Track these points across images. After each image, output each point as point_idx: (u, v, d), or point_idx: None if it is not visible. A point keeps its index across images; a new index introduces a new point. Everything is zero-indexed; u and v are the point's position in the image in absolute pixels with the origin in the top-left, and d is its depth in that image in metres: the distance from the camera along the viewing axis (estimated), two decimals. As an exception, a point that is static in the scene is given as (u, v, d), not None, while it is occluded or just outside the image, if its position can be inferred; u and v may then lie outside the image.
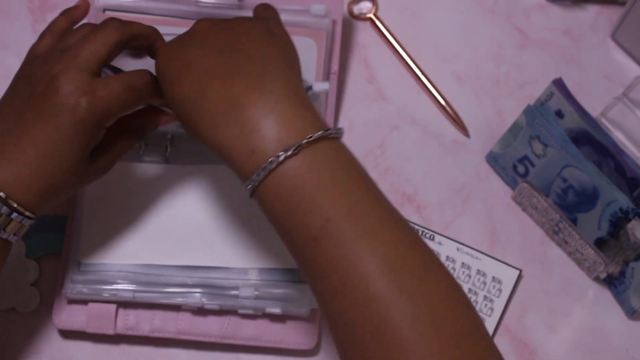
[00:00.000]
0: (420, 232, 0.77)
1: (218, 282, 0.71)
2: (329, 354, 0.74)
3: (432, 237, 0.77)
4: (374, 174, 0.80)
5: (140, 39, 0.65)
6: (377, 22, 0.84)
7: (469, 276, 0.76)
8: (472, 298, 0.76)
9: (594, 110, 0.77)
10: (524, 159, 0.77)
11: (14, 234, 0.62)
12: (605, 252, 0.74)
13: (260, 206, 0.57)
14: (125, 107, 0.63)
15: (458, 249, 0.77)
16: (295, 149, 0.55)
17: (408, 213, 0.79)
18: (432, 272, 0.55)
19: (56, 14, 0.83)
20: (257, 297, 0.71)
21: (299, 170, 0.55)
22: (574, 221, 0.75)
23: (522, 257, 0.78)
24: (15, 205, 0.60)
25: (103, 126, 0.63)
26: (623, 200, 0.70)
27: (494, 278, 0.76)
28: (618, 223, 0.72)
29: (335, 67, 0.79)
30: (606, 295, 0.77)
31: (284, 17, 0.74)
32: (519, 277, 0.77)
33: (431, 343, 0.52)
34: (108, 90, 0.61)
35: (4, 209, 0.60)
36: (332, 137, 0.56)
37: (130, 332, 0.72)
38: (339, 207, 0.55)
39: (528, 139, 0.75)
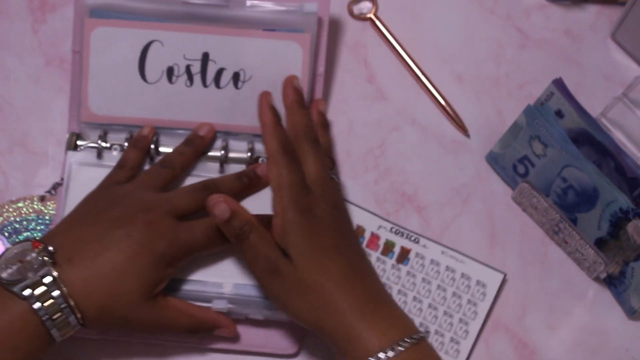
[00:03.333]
0: (404, 235, 0.77)
1: (192, 294, 0.71)
2: (309, 359, 0.74)
3: (416, 240, 0.77)
4: (373, 174, 0.81)
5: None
6: (377, 22, 0.84)
7: (453, 279, 0.76)
8: (456, 301, 0.76)
9: (594, 110, 0.77)
10: (524, 159, 0.77)
11: (62, 336, 0.65)
12: (605, 252, 0.74)
13: None
14: (200, 252, 0.70)
15: (443, 252, 0.77)
16: (405, 346, 0.64)
17: (408, 213, 0.79)
18: None
19: (56, 14, 0.84)
20: (230, 311, 0.71)
21: None
22: (574, 221, 0.75)
23: (522, 257, 0.78)
24: (74, 312, 0.64)
25: (175, 265, 0.69)
26: (623, 200, 0.70)
27: (478, 282, 0.76)
28: (618, 223, 0.72)
29: (321, 68, 0.78)
30: (606, 295, 0.77)
31: (271, 16, 0.75)
32: (504, 281, 0.76)
33: None
34: (189, 234, 0.69)
35: (66, 311, 0.64)
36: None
37: (108, 337, 0.73)
38: None
39: (528, 139, 0.75)
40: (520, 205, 0.79)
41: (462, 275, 0.76)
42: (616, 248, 0.73)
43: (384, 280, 0.76)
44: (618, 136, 0.80)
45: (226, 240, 0.69)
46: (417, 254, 0.77)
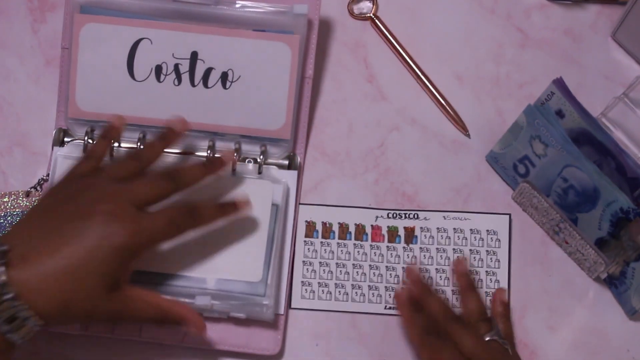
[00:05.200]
0: (403, 216, 0.78)
1: (176, 289, 0.71)
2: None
3: (416, 216, 0.78)
4: (373, 174, 0.81)
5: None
6: (377, 22, 0.84)
7: (465, 238, 0.77)
8: (476, 257, 0.77)
9: (594, 110, 0.77)
10: (524, 159, 0.77)
11: (22, 338, 0.62)
12: (605, 252, 0.74)
13: None
14: (165, 239, 0.68)
15: (445, 217, 0.78)
16: None
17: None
18: None
19: (56, 14, 0.84)
20: (213, 307, 0.71)
21: None
22: (574, 221, 0.75)
23: (523, 257, 0.78)
24: (30, 313, 0.61)
25: (138, 255, 0.66)
26: (624, 200, 0.70)
27: (488, 231, 0.77)
28: (619, 223, 0.72)
29: (310, 71, 0.78)
30: (607, 295, 0.77)
31: (261, 17, 0.75)
32: (511, 221, 0.78)
33: None
34: (152, 223, 0.66)
35: (22, 314, 0.61)
36: None
37: (95, 334, 0.73)
38: None
39: (528, 138, 0.75)
40: (520, 205, 0.79)
41: (472, 231, 0.77)
42: (617, 248, 0.73)
43: (401, 265, 0.77)
44: (619, 136, 0.80)
45: (188, 227, 0.69)
46: (422, 229, 0.77)
